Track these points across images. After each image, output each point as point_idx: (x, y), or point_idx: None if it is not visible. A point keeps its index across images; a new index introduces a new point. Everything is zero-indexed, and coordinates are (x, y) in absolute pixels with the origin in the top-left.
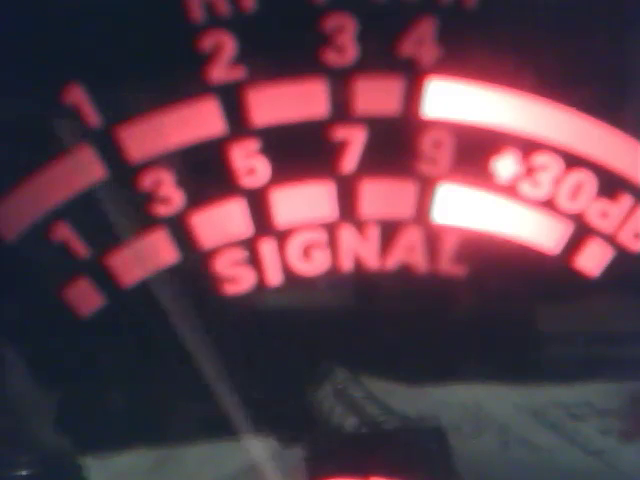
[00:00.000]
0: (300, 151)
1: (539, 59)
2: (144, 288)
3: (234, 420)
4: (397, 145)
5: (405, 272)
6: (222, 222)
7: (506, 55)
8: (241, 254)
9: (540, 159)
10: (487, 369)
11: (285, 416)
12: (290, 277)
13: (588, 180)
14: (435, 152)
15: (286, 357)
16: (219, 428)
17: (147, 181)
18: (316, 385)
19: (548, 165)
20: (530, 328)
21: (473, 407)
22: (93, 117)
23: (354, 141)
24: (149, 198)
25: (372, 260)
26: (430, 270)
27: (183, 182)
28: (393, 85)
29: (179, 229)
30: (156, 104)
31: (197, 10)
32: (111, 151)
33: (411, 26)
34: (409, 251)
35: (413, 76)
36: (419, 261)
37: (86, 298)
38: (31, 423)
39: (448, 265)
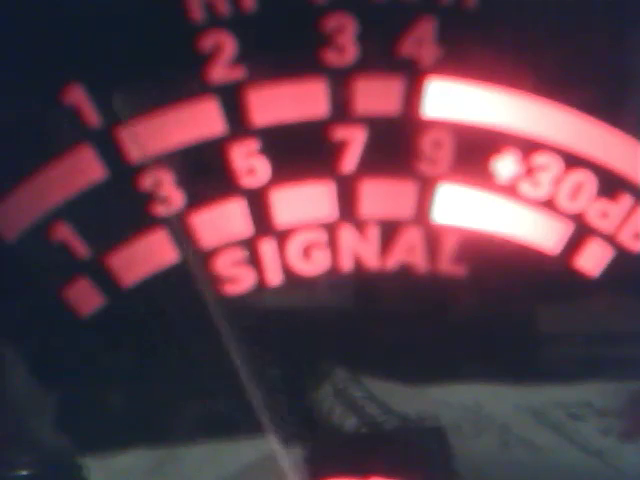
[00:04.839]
0: (300, 151)
1: (539, 59)
2: (144, 288)
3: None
4: (397, 145)
5: (405, 272)
6: (222, 222)
7: (506, 55)
8: (241, 254)
9: (540, 159)
10: (487, 369)
11: (285, 416)
12: (290, 277)
13: (588, 180)
14: (435, 152)
15: (286, 357)
16: (219, 428)
17: (147, 181)
18: (316, 385)
19: (548, 165)
20: (530, 328)
21: (473, 407)
22: (93, 117)
23: (354, 141)
24: (149, 198)
25: (372, 260)
26: (430, 270)
27: (183, 182)
28: (393, 85)
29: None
30: (156, 104)
31: (197, 10)
32: (111, 151)
33: (411, 26)
34: (409, 251)
35: (413, 76)
36: (419, 261)
37: (86, 298)
38: (31, 423)
39: (448, 265)
